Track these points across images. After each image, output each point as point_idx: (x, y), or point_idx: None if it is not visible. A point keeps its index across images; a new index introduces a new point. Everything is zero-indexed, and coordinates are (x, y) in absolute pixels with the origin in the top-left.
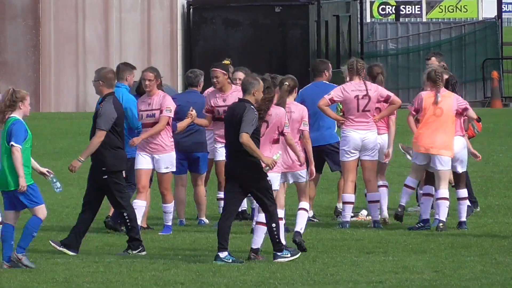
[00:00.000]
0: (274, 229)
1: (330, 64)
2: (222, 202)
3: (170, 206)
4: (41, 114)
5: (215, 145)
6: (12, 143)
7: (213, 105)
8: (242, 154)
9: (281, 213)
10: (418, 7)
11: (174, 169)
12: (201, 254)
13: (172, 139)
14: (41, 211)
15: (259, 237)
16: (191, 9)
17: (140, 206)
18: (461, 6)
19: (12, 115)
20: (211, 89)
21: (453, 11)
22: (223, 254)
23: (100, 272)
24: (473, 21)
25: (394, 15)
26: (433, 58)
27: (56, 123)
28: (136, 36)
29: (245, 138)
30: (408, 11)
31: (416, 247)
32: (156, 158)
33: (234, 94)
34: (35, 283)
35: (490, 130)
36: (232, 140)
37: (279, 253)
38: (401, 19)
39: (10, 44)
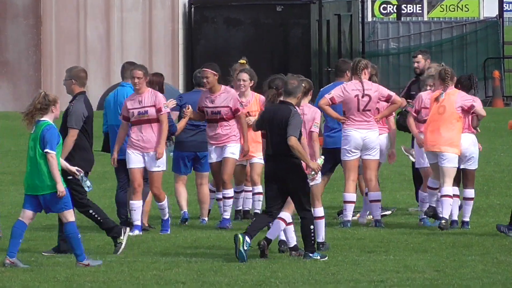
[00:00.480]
0: (312, 231)
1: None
2: (221, 203)
3: (164, 203)
4: None
5: (208, 147)
6: (47, 150)
7: (202, 105)
8: (284, 156)
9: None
10: (419, 6)
11: (165, 168)
12: (203, 253)
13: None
14: (70, 214)
15: (276, 230)
16: (193, 8)
17: (138, 206)
18: (462, 5)
19: (43, 119)
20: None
21: (454, 10)
22: (248, 238)
23: (101, 271)
24: (474, 20)
25: (395, 14)
26: (420, 56)
27: (58, 122)
28: (138, 35)
29: (294, 141)
30: (410, 10)
31: (418, 246)
32: (147, 156)
33: (222, 95)
34: (37, 282)
35: (491, 130)
36: (275, 142)
37: (311, 254)
38: (402, 18)
39: (11, 44)
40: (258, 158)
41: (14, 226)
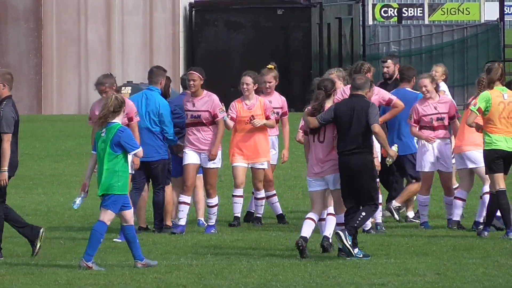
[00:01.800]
0: (360, 217)
1: (416, 71)
2: (182, 206)
3: (213, 201)
4: (43, 116)
5: (184, 149)
6: (133, 152)
7: (184, 109)
8: (363, 152)
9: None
10: (420, 10)
11: (219, 166)
12: (203, 256)
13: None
14: (110, 216)
15: (330, 226)
16: (193, 11)
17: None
18: (463, 8)
19: (114, 121)
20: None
21: (455, 14)
22: (355, 250)
23: (102, 274)
24: (475, 23)
25: (396, 17)
26: (389, 61)
27: (58, 125)
28: (138, 38)
29: (378, 128)
30: (411, 13)
31: (418, 250)
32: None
33: (203, 99)
34: (37, 286)
35: None
36: (353, 135)
37: (355, 251)
38: (403, 22)
39: (12, 47)
40: (260, 164)
41: (125, 232)
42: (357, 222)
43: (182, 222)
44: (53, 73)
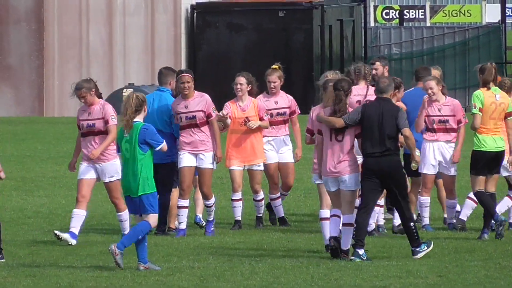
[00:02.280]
0: (413, 227)
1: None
2: (181, 210)
3: (124, 215)
4: (44, 118)
5: (179, 152)
6: (159, 147)
7: (177, 111)
8: (391, 153)
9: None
10: (421, 12)
11: (119, 177)
12: (205, 259)
13: (115, 147)
14: (155, 219)
15: (347, 237)
16: (195, 13)
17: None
18: (464, 10)
19: (136, 120)
20: (262, 95)
21: (456, 16)
22: (361, 251)
23: (104, 277)
24: (476, 25)
25: (397, 19)
26: (378, 63)
27: (60, 127)
28: (140, 40)
29: (409, 132)
30: (412, 15)
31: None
32: (99, 167)
33: (196, 100)
34: None
35: None
36: (381, 137)
37: (417, 249)
38: (404, 24)
39: (14, 48)
40: (257, 166)
41: (138, 224)
42: (415, 232)
43: (183, 226)
44: (54, 75)
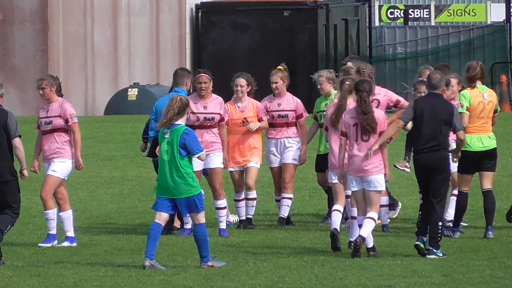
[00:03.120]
0: (440, 227)
1: (451, 69)
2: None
3: (51, 213)
4: None
5: None
6: (197, 155)
7: (193, 111)
8: (440, 148)
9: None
10: (426, 11)
11: (63, 177)
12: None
13: (69, 146)
14: (203, 216)
15: (355, 231)
16: (200, 13)
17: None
18: (469, 10)
19: (178, 122)
20: (268, 96)
21: (461, 15)
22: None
23: (109, 276)
24: (481, 25)
25: (402, 19)
26: (349, 63)
27: None
28: (145, 40)
29: (463, 135)
30: (417, 15)
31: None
32: (52, 163)
33: (214, 102)
34: (44, 287)
35: (498, 134)
36: (432, 133)
37: (434, 250)
38: (409, 23)
39: (19, 48)
40: (254, 163)
41: (150, 228)
42: (439, 233)
43: (189, 226)
44: (59, 75)
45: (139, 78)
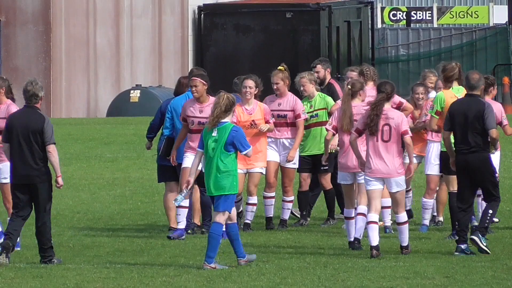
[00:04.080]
0: (489, 216)
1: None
2: (181, 210)
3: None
4: (52, 119)
5: (185, 153)
6: (245, 152)
7: (189, 115)
8: (479, 149)
9: (375, 217)
10: (429, 13)
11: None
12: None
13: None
14: (224, 217)
15: (404, 235)
16: (202, 14)
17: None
18: (472, 12)
19: (225, 120)
20: (270, 96)
21: (464, 17)
22: (464, 246)
23: (111, 278)
24: (484, 27)
25: (405, 21)
26: (319, 66)
27: (67, 128)
28: (147, 41)
29: (496, 133)
30: (419, 17)
31: (427, 253)
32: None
33: (211, 106)
34: None
35: (501, 136)
36: (470, 135)
37: (481, 236)
38: (412, 25)
39: (21, 50)
40: (259, 168)
41: (228, 230)
42: (487, 222)
43: (182, 225)
44: (62, 77)
45: (141, 79)
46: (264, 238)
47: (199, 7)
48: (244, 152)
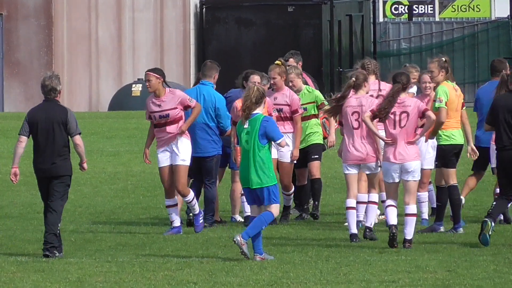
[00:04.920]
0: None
1: (507, 64)
2: (172, 210)
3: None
4: None
5: (157, 151)
6: (278, 141)
7: (150, 111)
8: None
9: (352, 202)
10: (431, 7)
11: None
12: (214, 253)
13: None
14: (276, 209)
15: (411, 227)
16: (204, 8)
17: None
18: (474, 5)
19: (256, 111)
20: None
21: (465, 11)
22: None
23: (113, 272)
24: (485, 20)
25: (407, 14)
26: (291, 59)
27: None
28: (149, 35)
29: None
30: (421, 10)
31: (429, 247)
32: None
33: (168, 98)
34: (48, 283)
35: None
36: (508, 131)
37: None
38: (414, 19)
39: (23, 44)
40: None
41: (262, 214)
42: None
43: (176, 223)
44: (63, 71)
45: (143, 73)
46: (265, 231)
47: (200, 1)
48: (278, 141)
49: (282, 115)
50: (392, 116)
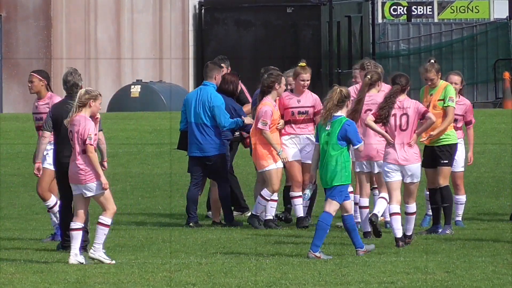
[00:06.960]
0: None
1: None
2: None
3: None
4: None
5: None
6: (357, 146)
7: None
8: None
9: (365, 201)
10: (429, 8)
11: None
12: (213, 254)
13: None
14: (351, 205)
15: (411, 225)
16: (203, 9)
17: None
18: (472, 6)
19: (338, 114)
20: (286, 93)
21: (464, 12)
22: None
23: (111, 273)
24: (484, 21)
25: (405, 15)
26: (223, 64)
27: None
28: (148, 36)
29: None
30: (420, 11)
31: (428, 248)
32: None
33: (45, 102)
34: (47, 284)
35: (501, 131)
36: None
37: None
38: (412, 20)
39: (22, 45)
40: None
41: (345, 222)
42: None
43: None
44: (62, 72)
45: (142, 75)
46: (264, 233)
47: (199, 2)
48: (356, 146)
49: (308, 117)
50: (393, 118)
